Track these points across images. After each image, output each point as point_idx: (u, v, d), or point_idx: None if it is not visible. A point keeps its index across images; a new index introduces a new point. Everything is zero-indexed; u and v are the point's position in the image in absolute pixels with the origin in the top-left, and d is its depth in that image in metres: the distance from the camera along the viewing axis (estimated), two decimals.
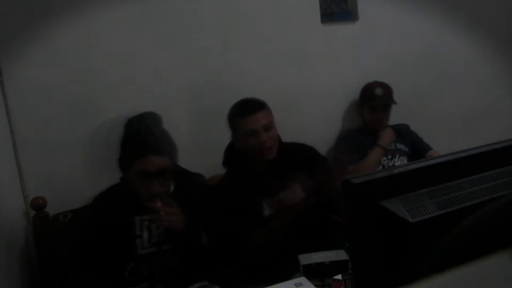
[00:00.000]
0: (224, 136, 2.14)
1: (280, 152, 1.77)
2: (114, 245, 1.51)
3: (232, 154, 1.84)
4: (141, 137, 1.56)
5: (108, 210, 1.55)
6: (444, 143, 2.48)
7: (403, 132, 2.38)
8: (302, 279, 1.30)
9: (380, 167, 2.22)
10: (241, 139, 1.75)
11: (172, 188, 1.61)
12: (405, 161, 2.32)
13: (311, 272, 1.34)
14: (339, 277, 1.28)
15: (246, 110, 1.73)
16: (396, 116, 2.36)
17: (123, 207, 1.56)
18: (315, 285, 1.28)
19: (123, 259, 1.54)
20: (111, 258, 1.50)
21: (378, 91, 2.28)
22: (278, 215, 1.70)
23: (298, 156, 1.84)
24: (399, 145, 2.32)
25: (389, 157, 2.27)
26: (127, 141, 1.56)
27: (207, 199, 1.68)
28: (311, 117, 2.26)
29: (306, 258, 1.38)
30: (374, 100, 2.27)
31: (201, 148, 2.06)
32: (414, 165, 0.78)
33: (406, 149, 2.33)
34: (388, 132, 2.27)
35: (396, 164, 2.28)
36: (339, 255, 1.37)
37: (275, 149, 1.75)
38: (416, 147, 2.37)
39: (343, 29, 2.39)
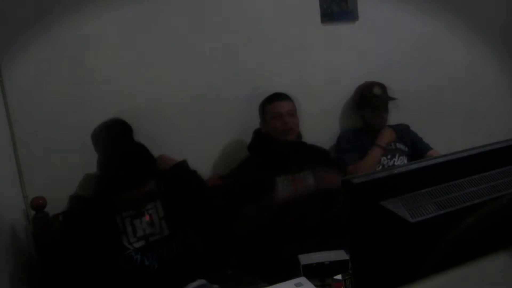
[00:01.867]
0: (224, 136, 2.15)
1: (299, 144, 2.03)
2: (100, 244, 1.51)
3: (257, 140, 2.06)
4: (124, 171, 1.51)
5: (86, 212, 1.54)
6: (444, 143, 2.48)
7: (403, 132, 2.38)
8: (302, 279, 1.30)
9: (380, 167, 2.22)
10: (268, 121, 2.00)
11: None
12: (405, 161, 2.31)
13: (311, 272, 1.34)
14: (339, 277, 1.28)
15: (275, 97, 2.02)
16: (396, 116, 2.36)
17: (101, 206, 1.55)
18: (315, 285, 1.28)
19: (113, 254, 1.55)
20: (100, 255, 1.51)
21: (377, 90, 2.27)
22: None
23: (315, 153, 2.08)
24: (399, 145, 2.32)
25: (389, 157, 2.27)
26: (110, 171, 1.52)
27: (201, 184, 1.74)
28: (311, 116, 2.25)
29: (306, 258, 1.38)
30: (374, 100, 2.26)
31: (201, 149, 2.06)
32: (414, 165, 0.78)
33: (406, 149, 2.33)
34: (388, 132, 2.27)
35: (396, 164, 2.28)
36: (339, 255, 1.37)
37: (296, 132, 2.00)
38: (416, 147, 2.37)
39: (343, 29, 2.38)
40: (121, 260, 1.56)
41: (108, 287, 1.55)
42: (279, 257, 1.74)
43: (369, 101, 2.27)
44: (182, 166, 1.69)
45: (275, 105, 1.99)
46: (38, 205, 1.67)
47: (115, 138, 1.62)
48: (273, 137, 2.00)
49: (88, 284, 1.52)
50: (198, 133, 2.08)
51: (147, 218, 1.60)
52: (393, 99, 2.28)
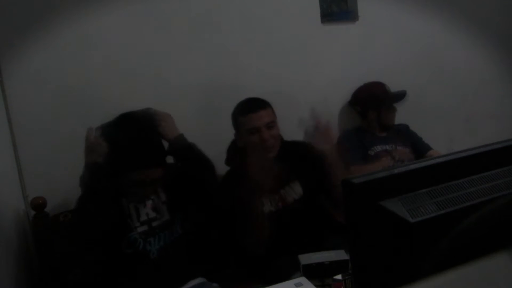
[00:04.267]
0: (224, 136, 2.14)
1: (281, 150, 1.79)
2: (107, 225, 1.52)
3: (234, 153, 1.86)
4: (136, 150, 1.54)
5: (96, 195, 1.54)
6: (444, 143, 2.48)
7: (402, 133, 2.38)
8: (302, 279, 1.30)
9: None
10: (243, 137, 1.76)
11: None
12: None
13: (311, 272, 1.34)
14: (339, 277, 1.28)
15: (250, 108, 1.75)
16: (396, 116, 2.36)
17: (109, 190, 1.56)
18: (315, 285, 1.27)
19: (119, 235, 1.56)
20: (106, 237, 1.52)
21: (388, 88, 2.29)
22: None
23: (297, 154, 1.86)
24: (399, 147, 2.31)
25: (389, 158, 2.27)
26: (122, 152, 1.53)
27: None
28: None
29: (306, 258, 1.38)
30: (390, 98, 2.27)
31: (201, 149, 2.06)
32: (414, 165, 0.78)
33: (407, 151, 2.33)
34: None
35: None
36: (339, 255, 1.37)
37: (276, 148, 1.76)
38: (416, 147, 2.37)
39: (343, 29, 2.39)
40: (124, 242, 1.57)
41: (109, 271, 1.55)
42: (279, 257, 1.73)
43: (380, 101, 2.27)
44: (179, 140, 1.68)
45: (250, 118, 1.72)
46: (38, 205, 1.67)
47: (127, 128, 1.61)
48: (251, 153, 1.75)
49: (91, 271, 1.52)
50: (198, 134, 2.07)
51: (149, 205, 1.62)
52: (404, 93, 2.30)
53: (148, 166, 1.54)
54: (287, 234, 1.73)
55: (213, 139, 2.13)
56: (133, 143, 1.54)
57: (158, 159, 1.59)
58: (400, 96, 2.31)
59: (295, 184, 1.81)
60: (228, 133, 2.13)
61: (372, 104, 2.29)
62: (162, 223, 1.64)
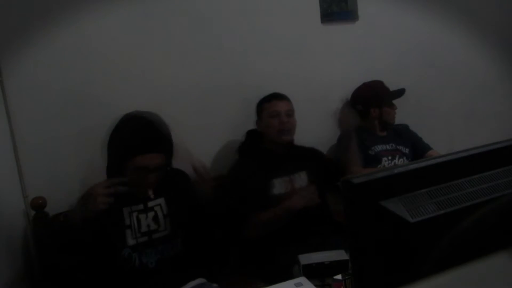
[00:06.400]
0: (224, 135, 2.15)
1: (292, 147, 2.01)
2: (105, 236, 1.52)
3: (250, 141, 2.05)
4: (143, 134, 1.56)
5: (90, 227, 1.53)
6: (444, 143, 2.48)
7: (402, 133, 2.38)
8: (302, 279, 1.30)
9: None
10: (265, 119, 1.99)
11: None
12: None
13: (311, 272, 1.34)
14: (339, 277, 1.28)
15: (274, 96, 2.01)
16: (396, 116, 2.36)
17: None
18: (315, 285, 1.28)
19: (116, 249, 1.56)
20: (104, 248, 1.51)
21: (386, 85, 2.31)
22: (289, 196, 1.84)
23: (307, 153, 2.06)
24: (399, 146, 2.31)
25: (389, 158, 2.27)
26: (129, 136, 1.56)
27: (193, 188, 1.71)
28: (311, 116, 2.26)
29: (306, 258, 1.38)
30: (389, 96, 2.29)
31: (201, 149, 2.06)
32: (414, 165, 0.78)
33: (407, 151, 2.32)
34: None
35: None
36: (339, 255, 1.37)
37: (292, 133, 1.99)
38: (416, 147, 2.37)
39: (343, 29, 2.39)
40: (120, 259, 1.56)
41: (107, 287, 1.55)
42: (279, 258, 1.74)
43: (383, 96, 2.29)
44: (215, 205, 1.69)
45: (273, 104, 1.98)
46: (38, 205, 1.67)
47: (146, 117, 1.63)
48: (268, 137, 1.98)
49: (87, 284, 1.52)
50: (197, 134, 2.08)
51: (151, 216, 1.62)
52: (403, 90, 2.33)
53: (151, 150, 1.54)
54: (288, 229, 1.78)
55: (213, 138, 2.14)
56: (138, 128, 1.56)
57: (162, 145, 1.58)
58: (400, 93, 2.32)
59: (303, 174, 1.96)
60: (227, 133, 2.14)
61: (374, 101, 2.30)
62: (163, 237, 1.63)
